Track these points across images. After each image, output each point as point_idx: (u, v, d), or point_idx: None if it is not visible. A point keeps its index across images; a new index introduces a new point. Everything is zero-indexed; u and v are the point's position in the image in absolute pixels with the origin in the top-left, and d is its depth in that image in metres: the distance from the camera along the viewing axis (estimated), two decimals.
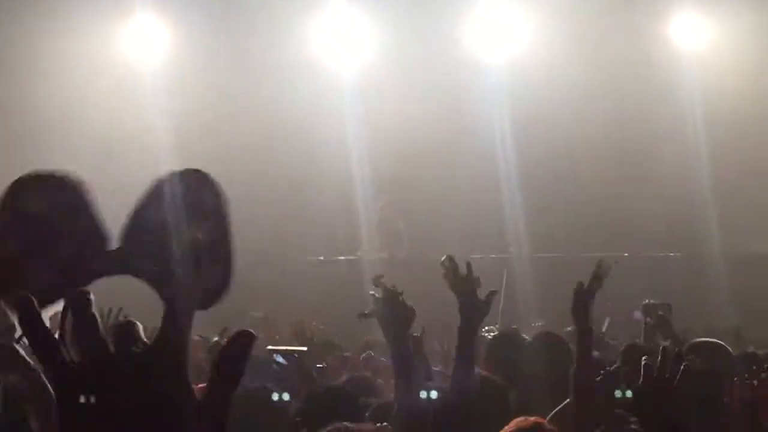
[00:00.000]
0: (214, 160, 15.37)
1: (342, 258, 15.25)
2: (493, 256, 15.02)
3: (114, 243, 2.37)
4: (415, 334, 6.55)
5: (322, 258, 15.34)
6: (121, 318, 7.85)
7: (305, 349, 6.97)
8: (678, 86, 15.78)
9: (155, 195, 2.35)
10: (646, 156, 15.85)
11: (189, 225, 2.32)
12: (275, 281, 14.17)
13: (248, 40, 15.73)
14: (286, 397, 4.86)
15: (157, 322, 1.94)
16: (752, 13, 15.59)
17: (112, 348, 1.91)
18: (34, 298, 1.88)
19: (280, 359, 6.48)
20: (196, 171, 2.38)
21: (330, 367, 7.41)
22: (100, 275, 2.37)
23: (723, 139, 15.48)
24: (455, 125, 15.89)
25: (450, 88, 15.90)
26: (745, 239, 15.21)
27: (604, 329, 9.03)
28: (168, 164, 14.05)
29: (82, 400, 1.82)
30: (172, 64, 15.76)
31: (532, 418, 3.91)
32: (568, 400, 4.58)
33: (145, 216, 2.33)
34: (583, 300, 4.70)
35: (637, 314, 9.10)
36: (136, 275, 2.31)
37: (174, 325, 1.89)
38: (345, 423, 3.84)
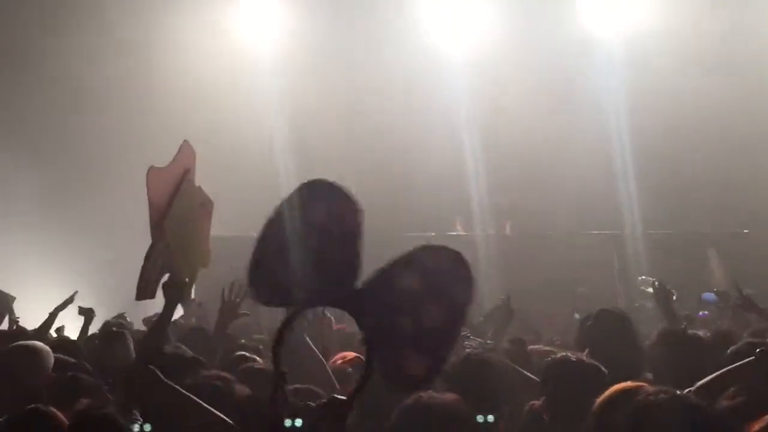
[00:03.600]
0: (324, 141, 15.72)
1: (452, 234, 15.37)
2: (606, 232, 15.00)
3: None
4: None
5: (433, 234, 15.48)
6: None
7: None
8: None
9: (411, 260, 2.38)
10: (763, 132, 15.58)
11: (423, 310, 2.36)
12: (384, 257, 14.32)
13: (359, 23, 15.90)
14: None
15: None
16: None
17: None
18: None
19: None
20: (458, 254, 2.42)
21: None
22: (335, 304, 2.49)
23: None
24: (569, 101, 15.84)
25: (563, 64, 15.83)
26: None
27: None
28: (281, 145, 14.44)
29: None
30: (284, 46, 16.01)
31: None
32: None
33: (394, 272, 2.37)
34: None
35: (708, 296, 9.06)
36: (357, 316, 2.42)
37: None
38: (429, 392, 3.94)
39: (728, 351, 4.98)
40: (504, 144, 15.57)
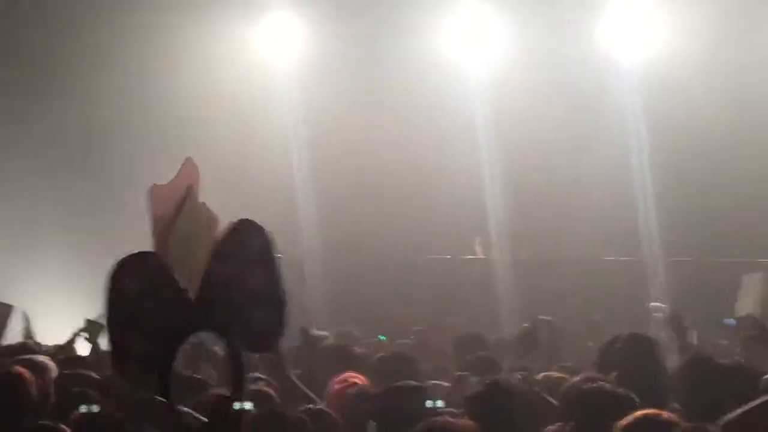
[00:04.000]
0: (344, 158, 15.66)
1: (470, 257, 15.26)
2: (623, 258, 14.85)
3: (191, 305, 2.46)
4: None
5: (449, 257, 15.37)
6: None
7: None
8: None
9: (216, 252, 2.52)
10: None
11: (242, 273, 2.47)
12: (400, 280, 14.29)
13: (380, 39, 15.86)
14: None
15: None
16: None
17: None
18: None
19: None
20: (245, 221, 2.52)
21: None
22: (186, 336, 2.48)
23: None
24: (584, 125, 15.74)
25: (578, 86, 15.72)
26: None
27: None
28: (299, 162, 14.43)
29: None
30: (305, 63, 15.98)
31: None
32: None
33: (211, 272, 2.51)
34: None
35: (729, 321, 8.86)
36: (216, 331, 2.44)
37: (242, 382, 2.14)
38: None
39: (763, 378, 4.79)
40: (522, 167, 15.45)
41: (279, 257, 2.48)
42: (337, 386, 5.70)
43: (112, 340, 2.45)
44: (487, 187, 15.53)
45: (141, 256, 2.58)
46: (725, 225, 15.11)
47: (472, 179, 15.41)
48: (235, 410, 2.32)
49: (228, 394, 2.35)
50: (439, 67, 15.86)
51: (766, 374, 5.05)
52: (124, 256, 2.69)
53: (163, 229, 4.96)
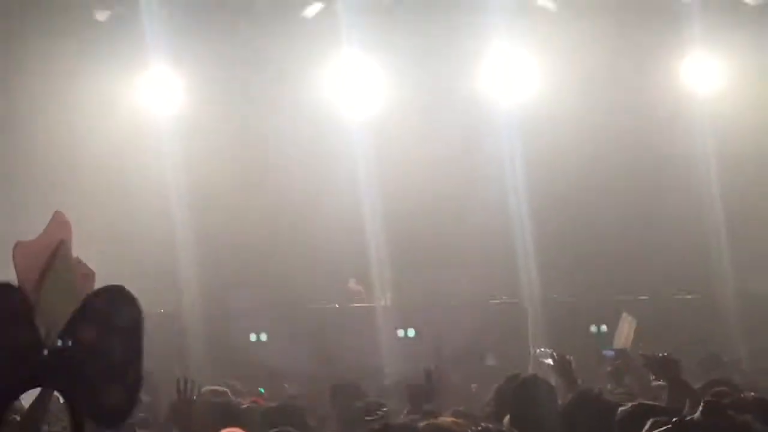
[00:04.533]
0: (225, 205, 15.51)
1: (357, 305, 15.17)
2: (505, 299, 14.96)
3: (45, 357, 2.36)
4: None
5: (337, 306, 15.25)
6: None
7: None
8: (690, 127, 15.76)
9: (80, 310, 2.39)
10: (658, 198, 15.82)
11: (102, 340, 2.37)
12: (285, 329, 14.17)
13: (261, 88, 15.83)
14: None
15: None
16: (759, 55, 15.66)
17: None
18: None
19: None
20: (117, 287, 2.40)
21: None
22: (28, 387, 2.38)
23: (735, 179, 15.49)
24: (466, 169, 15.90)
25: (461, 131, 15.94)
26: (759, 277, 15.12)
27: None
28: (180, 206, 14.18)
29: None
30: (186, 111, 15.82)
31: None
32: None
33: (71, 330, 2.39)
34: None
35: (608, 353, 9.26)
36: (60, 391, 2.35)
37: None
38: None
39: (619, 410, 5.04)
40: (404, 210, 15.51)
41: (144, 332, 2.36)
42: None
43: None
44: (369, 232, 15.50)
45: (5, 287, 2.41)
46: (604, 264, 15.40)
47: (352, 223, 15.37)
48: None
49: None
50: (320, 116, 15.88)
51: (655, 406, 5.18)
52: None
53: (31, 284, 4.78)
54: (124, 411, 2.31)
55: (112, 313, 2.40)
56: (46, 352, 2.32)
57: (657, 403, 5.67)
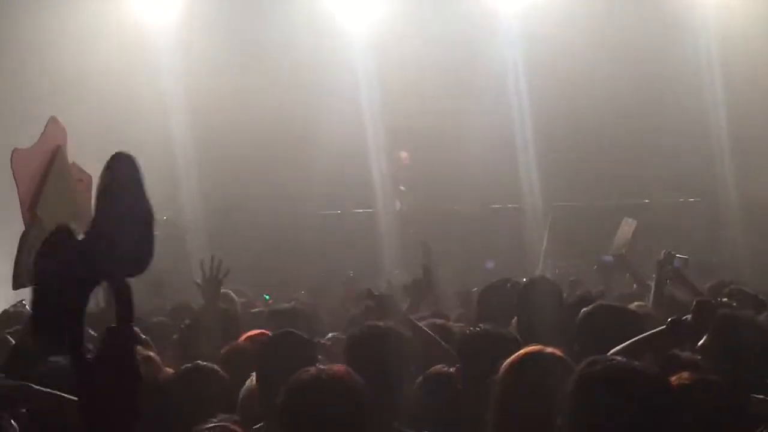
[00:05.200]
0: (225, 121, 15.46)
1: (359, 211, 15.28)
2: (510, 205, 15.05)
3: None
4: None
5: (339, 212, 15.35)
6: None
7: None
8: (694, 37, 15.65)
9: (99, 193, 2.40)
10: (661, 107, 15.76)
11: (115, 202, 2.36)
12: (292, 238, 14.27)
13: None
14: None
15: None
16: None
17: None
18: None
19: None
20: (117, 153, 2.40)
21: None
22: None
23: (740, 86, 15.42)
24: (469, 78, 15.80)
25: (463, 39, 15.80)
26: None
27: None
28: (178, 124, 14.15)
29: None
30: (182, 25, 15.68)
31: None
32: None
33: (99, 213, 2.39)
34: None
35: (606, 258, 9.39)
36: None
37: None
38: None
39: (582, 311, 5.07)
40: (405, 122, 15.47)
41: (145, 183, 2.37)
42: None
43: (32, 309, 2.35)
44: (370, 140, 15.51)
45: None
46: (607, 170, 15.42)
47: (356, 130, 15.35)
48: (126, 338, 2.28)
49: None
50: (322, 30, 15.72)
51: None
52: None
53: (31, 189, 4.84)
54: (149, 254, 2.33)
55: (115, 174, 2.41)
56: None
57: None
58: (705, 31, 15.62)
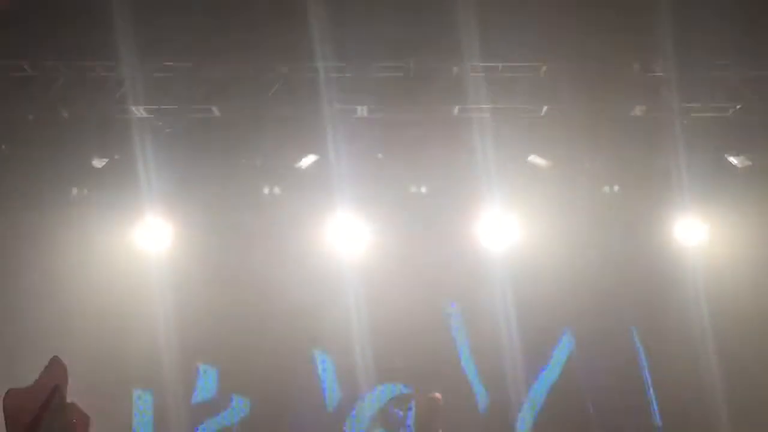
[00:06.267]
0: (215, 344, 15.72)
1: None
2: None
3: None
4: None
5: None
6: None
7: None
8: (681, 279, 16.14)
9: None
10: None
11: None
12: None
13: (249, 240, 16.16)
14: None
15: None
16: (740, 216, 16.03)
17: None
18: None
19: None
20: None
21: None
22: None
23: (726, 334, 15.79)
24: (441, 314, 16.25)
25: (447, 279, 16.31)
26: None
27: None
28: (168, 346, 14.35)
29: None
30: (180, 256, 16.04)
31: None
32: None
33: None
34: None
35: None
36: None
37: None
38: None
39: None
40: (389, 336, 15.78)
41: None
42: None
43: None
44: (360, 376, 15.76)
45: None
46: None
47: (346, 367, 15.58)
48: None
49: None
50: (308, 258, 16.08)
51: None
52: None
53: (22, 427, 4.91)
54: None
55: None
56: None
57: None
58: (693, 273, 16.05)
